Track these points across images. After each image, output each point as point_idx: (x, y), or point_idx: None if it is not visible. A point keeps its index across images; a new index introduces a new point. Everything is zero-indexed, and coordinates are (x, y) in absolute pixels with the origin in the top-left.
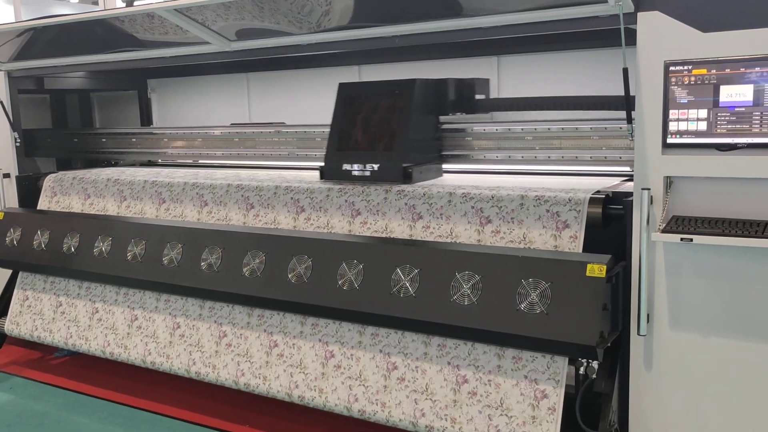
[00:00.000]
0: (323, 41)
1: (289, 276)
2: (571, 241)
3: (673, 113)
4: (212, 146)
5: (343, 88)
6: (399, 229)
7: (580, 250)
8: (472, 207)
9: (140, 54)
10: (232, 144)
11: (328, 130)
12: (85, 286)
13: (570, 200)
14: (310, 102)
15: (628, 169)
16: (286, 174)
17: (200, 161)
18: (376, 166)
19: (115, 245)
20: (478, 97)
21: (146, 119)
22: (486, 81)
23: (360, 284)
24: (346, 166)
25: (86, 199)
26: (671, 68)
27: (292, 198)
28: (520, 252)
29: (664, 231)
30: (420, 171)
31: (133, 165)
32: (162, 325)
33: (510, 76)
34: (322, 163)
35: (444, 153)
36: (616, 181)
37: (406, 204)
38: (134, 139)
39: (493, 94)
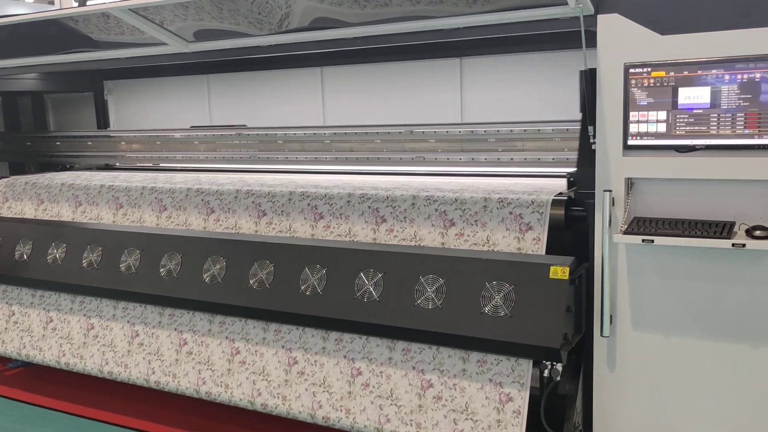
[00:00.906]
0: (284, 43)
1: (251, 282)
2: (535, 243)
3: (633, 115)
4: (172, 149)
5: None
6: (362, 232)
7: (544, 252)
8: (436, 210)
9: (95, 55)
10: (192, 147)
11: (290, 132)
12: (38, 295)
13: (533, 202)
14: (273, 104)
15: None
16: (248, 177)
17: (160, 165)
18: None
19: (69, 252)
20: None
21: (103, 122)
22: None
23: (323, 289)
24: None
25: (39, 205)
26: (631, 70)
27: (253, 202)
28: (484, 255)
29: (625, 233)
30: None
31: (89, 169)
32: (120, 333)
33: (473, 78)
34: (284, 166)
35: None
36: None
37: (369, 207)
38: (90, 143)
39: (456, 95)
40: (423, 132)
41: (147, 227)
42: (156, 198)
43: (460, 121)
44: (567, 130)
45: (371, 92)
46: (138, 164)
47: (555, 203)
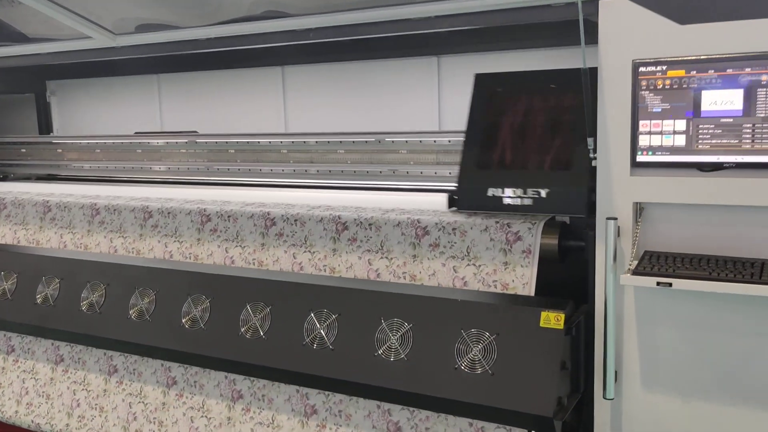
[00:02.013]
0: (228, 35)
1: (183, 321)
2: (521, 281)
3: (643, 124)
4: (114, 158)
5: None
6: (312, 263)
7: (532, 292)
8: (402, 234)
9: (23, 49)
10: (135, 156)
11: (242, 140)
12: None
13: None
14: (230, 108)
15: None
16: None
17: (108, 176)
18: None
19: None
20: None
21: (45, 126)
22: None
23: (266, 332)
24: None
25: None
26: (641, 69)
27: (192, 220)
28: (459, 294)
29: (636, 272)
30: None
31: (28, 179)
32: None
33: (451, 79)
34: (236, 179)
35: None
36: None
37: (325, 229)
38: (24, 150)
39: (432, 99)
40: (393, 141)
41: (68, 251)
42: (86, 215)
43: (438, 129)
44: None
45: (337, 95)
46: (83, 175)
47: (547, 230)
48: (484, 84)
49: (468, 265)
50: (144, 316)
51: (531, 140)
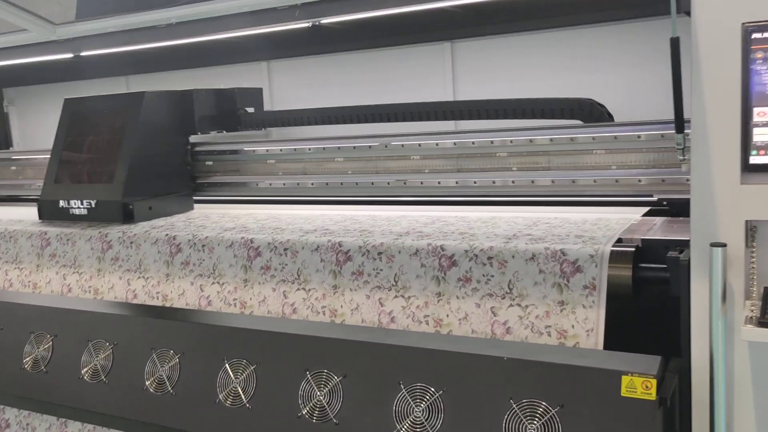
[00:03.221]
0: (192, 18)
1: (147, 383)
2: (585, 327)
3: (759, 113)
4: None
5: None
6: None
7: (600, 342)
8: (424, 266)
9: None
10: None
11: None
12: None
13: (581, 256)
14: None
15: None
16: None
17: None
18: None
19: None
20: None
21: (4, 140)
22: (258, 90)
23: (251, 398)
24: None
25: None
26: (754, 36)
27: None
28: (504, 348)
29: (762, 324)
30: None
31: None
32: None
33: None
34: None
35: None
36: (631, 213)
37: (322, 260)
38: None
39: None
40: (402, 146)
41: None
42: (34, 246)
43: (454, 129)
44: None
45: (333, 91)
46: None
47: (616, 257)
48: (68, 106)
49: (511, 305)
50: (99, 376)
51: (91, 157)
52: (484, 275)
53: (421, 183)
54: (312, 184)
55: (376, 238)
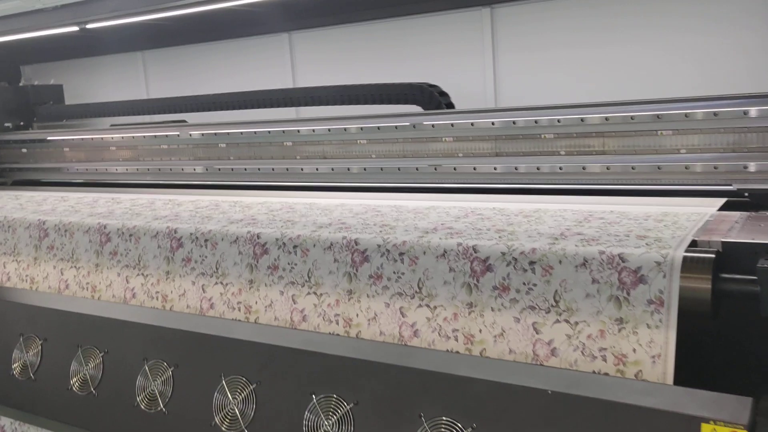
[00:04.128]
0: None
1: (138, 399)
2: (650, 351)
3: None
4: (87, 158)
5: None
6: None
7: (670, 374)
8: (452, 271)
9: None
10: (109, 155)
11: (235, 131)
12: None
13: (645, 263)
14: (229, 83)
15: None
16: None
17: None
18: None
19: None
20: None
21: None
22: (57, 87)
23: (249, 425)
24: None
25: None
26: None
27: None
28: (548, 379)
29: None
30: None
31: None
32: None
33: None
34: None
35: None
36: (704, 206)
37: (335, 260)
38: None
39: (485, 64)
40: (433, 125)
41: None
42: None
43: (494, 106)
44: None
45: (358, 65)
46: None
47: (690, 264)
48: None
49: (557, 321)
50: (88, 387)
51: None
52: (524, 283)
53: (454, 169)
54: (317, 169)
55: (398, 236)
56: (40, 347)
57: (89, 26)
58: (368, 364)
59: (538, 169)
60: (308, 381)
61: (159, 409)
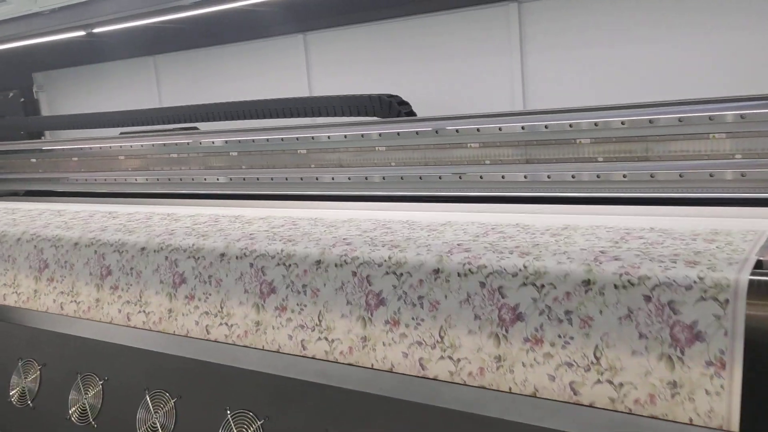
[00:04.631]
0: None
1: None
2: (709, 419)
3: None
4: (94, 167)
5: None
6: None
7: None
8: (470, 298)
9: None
10: (117, 164)
11: (246, 139)
12: None
13: (707, 289)
14: (243, 86)
15: None
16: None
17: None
18: None
19: None
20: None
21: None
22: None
23: None
24: None
25: None
26: None
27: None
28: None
29: None
30: None
31: (14, 194)
32: None
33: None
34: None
35: None
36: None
37: (345, 294)
38: (34, 160)
39: (509, 60)
40: (457, 131)
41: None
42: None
43: (522, 108)
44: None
45: (376, 66)
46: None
47: (757, 290)
48: None
49: (599, 381)
50: (87, 418)
51: None
52: (560, 336)
53: (481, 177)
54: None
55: (414, 276)
56: (38, 373)
57: (96, 30)
58: (387, 401)
59: (573, 177)
60: (321, 417)
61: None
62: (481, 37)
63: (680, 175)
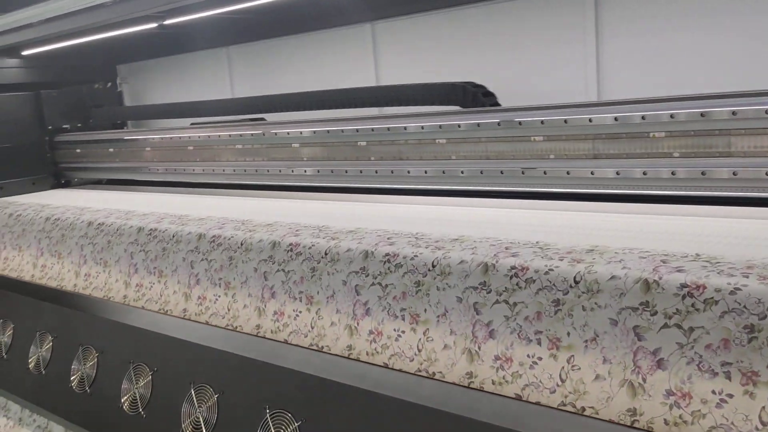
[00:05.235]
0: None
1: (182, 427)
2: None
3: None
4: (165, 158)
5: None
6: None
7: None
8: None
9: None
10: (186, 155)
11: (308, 130)
12: None
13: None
14: (310, 76)
15: None
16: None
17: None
18: None
19: None
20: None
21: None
22: (112, 89)
23: None
24: None
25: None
26: None
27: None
28: None
29: None
30: None
31: (98, 183)
32: None
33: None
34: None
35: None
36: None
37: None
38: (79, 150)
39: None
40: (521, 123)
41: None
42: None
43: (596, 98)
44: None
45: (445, 55)
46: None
47: None
48: None
49: None
50: (137, 407)
51: None
52: None
53: (544, 173)
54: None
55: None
56: (96, 360)
57: (167, 22)
58: (431, 411)
59: (644, 174)
60: (357, 424)
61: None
62: (555, 24)
63: (767, 173)
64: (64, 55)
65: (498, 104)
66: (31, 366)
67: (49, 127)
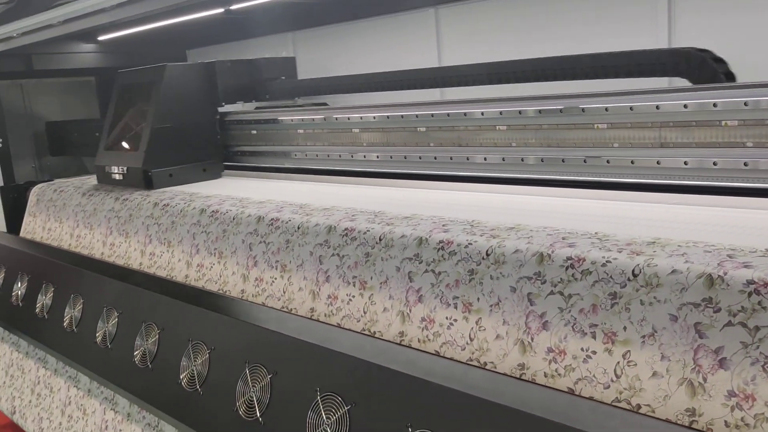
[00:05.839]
0: None
1: (237, 404)
2: None
3: None
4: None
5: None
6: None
7: None
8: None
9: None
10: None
11: (367, 115)
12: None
13: None
14: (374, 59)
15: None
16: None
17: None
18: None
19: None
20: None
21: None
22: (289, 60)
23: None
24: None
25: (75, 228)
26: None
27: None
28: None
29: None
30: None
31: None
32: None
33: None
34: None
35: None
36: None
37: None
38: (255, 131)
39: (659, 28)
40: (583, 110)
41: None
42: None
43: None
44: None
45: (509, 39)
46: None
47: None
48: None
49: None
50: (195, 384)
51: (126, 126)
52: None
53: (607, 162)
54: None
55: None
56: (158, 336)
57: (233, 7)
58: (481, 401)
59: (714, 164)
60: (405, 411)
61: (256, 417)
62: (623, 2)
63: None
64: (137, 41)
65: (732, 74)
66: (98, 340)
67: (223, 104)
